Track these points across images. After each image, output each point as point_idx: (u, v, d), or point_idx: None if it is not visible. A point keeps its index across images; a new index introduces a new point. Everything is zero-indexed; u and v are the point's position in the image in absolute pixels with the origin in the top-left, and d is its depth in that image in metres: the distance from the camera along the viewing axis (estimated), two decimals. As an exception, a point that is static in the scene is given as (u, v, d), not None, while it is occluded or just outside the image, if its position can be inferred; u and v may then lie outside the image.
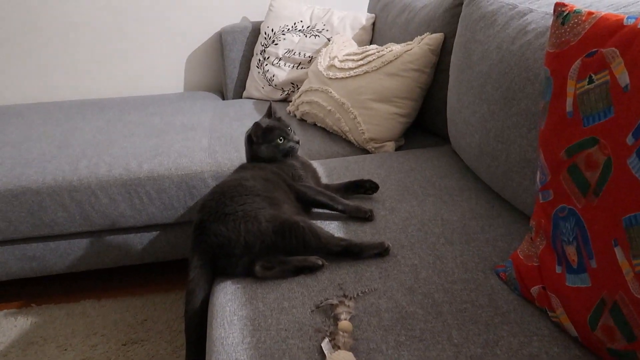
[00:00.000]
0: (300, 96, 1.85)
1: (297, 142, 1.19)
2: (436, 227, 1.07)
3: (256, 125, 1.13)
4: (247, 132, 1.19)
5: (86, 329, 1.47)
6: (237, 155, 1.61)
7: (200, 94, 2.44)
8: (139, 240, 1.58)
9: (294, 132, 1.19)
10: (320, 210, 1.14)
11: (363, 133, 1.61)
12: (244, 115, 2.07)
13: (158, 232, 1.62)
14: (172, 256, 1.63)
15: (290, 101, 2.02)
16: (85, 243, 1.55)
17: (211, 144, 1.70)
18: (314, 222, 1.02)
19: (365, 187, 1.21)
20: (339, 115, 1.67)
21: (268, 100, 2.30)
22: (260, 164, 1.15)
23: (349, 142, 1.68)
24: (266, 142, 1.17)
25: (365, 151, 1.63)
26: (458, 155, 1.41)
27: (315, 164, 1.35)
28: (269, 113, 1.25)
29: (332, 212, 1.11)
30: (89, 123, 1.84)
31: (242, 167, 1.17)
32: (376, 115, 1.59)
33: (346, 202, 1.11)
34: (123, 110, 2.00)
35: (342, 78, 1.66)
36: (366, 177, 1.25)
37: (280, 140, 1.16)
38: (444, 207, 1.15)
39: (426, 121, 1.76)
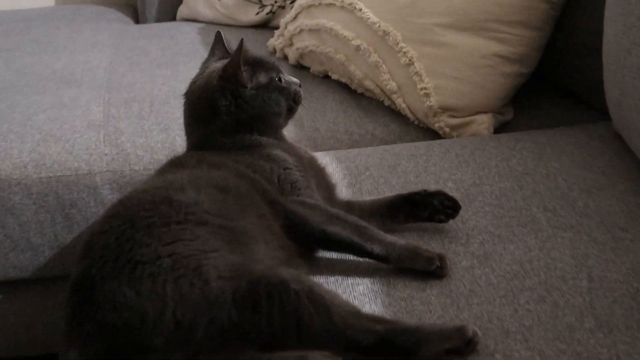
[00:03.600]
0: (296, 17, 1.84)
1: (299, 86, 1.26)
2: (578, 296, 1.02)
3: (235, 54, 1.18)
4: (203, 76, 1.25)
5: None
6: (165, 138, 1.59)
7: (89, 10, 2.43)
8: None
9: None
10: (336, 256, 1.12)
11: (428, 95, 1.56)
12: (181, 54, 2.01)
13: (-2, 297, 1.58)
14: (24, 350, 1.62)
15: (276, 28, 2.00)
16: None
17: (109, 114, 1.67)
18: (320, 280, 1.04)
19: (429, 207, 1.18)
20: (376, 57, 1.62)
21: (225, 24, 2.24)
22: (213, 154, 1.17)
23: (396, 114, 1.66)
24: (259, 85, 1.21)
25: (432, 132, 1.60)
26: (626, 142, 1.39)
27: (325, 157, 1.37)
28: (220, 48, 1.34)
29: (361, 258, 1.09)
30: None
31: (174, 164, 1.18)
32: (455, 57, 1.56)
33: (390, 238, 1.08)
34: None
35: (385, -20, 1.63)
36: (432, 187, 1.23)
37: (278, 79, 1.22)
38: (595, 253, 1.11)
39: (559, 73, 1.71)
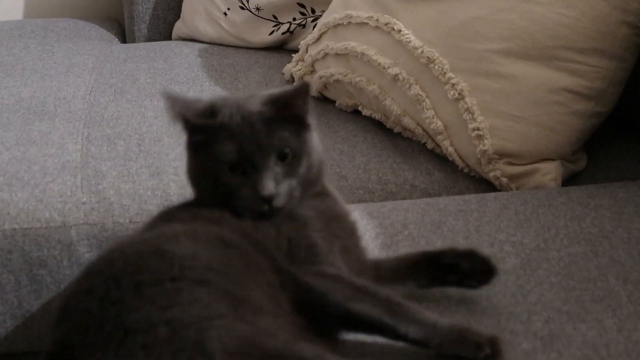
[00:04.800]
0: (320, 39, 1.84)
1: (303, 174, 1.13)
2: None
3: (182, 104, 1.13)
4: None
5: None
6: (157, 185, 1.57)
7: (65, 25, 2.39)
8: None
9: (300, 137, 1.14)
10: (363, 338, 1.09)
11: (481, 137, 1.54)
12: (176, 82, 1.95)
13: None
14: None
15: (295, 51, 2.00)
16: None
17: (89, 154, 1.63)
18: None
19: (458, 270, 1.14)
20: (418, 89, 1.59)
21: (231, 45, 2.21)
22: (213, 210, 1.12)
23: (441, 159, 1.65)
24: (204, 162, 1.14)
25: (485, 183, 1.59)
26: None
27: (354, 212, 1.29)
28: None
29: (394, 341, 1.05)
30: None
31: (164, 217, 1.14)
32: (517, 92, 1.52)
33: (430, 317, 1.03)
34: None
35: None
36: (461, 246, 1.20)
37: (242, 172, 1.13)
38: None
39: None
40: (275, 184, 1.08)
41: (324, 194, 1.21)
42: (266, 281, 1.04)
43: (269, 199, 1.07)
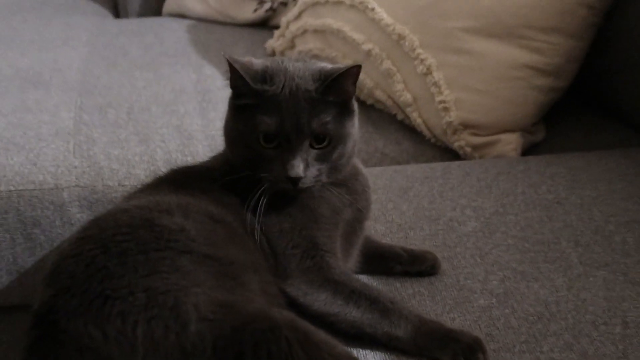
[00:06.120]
0: (300, 16, 1.87)
1: None
2: (610, 344, 1.01)
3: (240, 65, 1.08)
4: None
5: None
6: (145, 150, 1.60)
7: (62, 0, 2.44)
8: None
9: None
10: None
11: (447, 109, 1.58)
12: (165, 55, 2.00)
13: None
14: None
15: (276, 28, 2.04)
16: None
17: (81, 121, 1.67)
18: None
19: (400, 262, 1.20)
20: (389, 64, 1.65)
21: (218, 22, 2.27)
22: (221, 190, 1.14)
23: (409, 130, 1.68)
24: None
25: (450, 152, 1.62)
26: None
27: None
28: None
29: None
30: None
31: (169, 181, 1.17)
32: (481, 67, 1.57)
33: (414, 317, 1.05)
34: None
35: (403, -23, 1.65)
36: (444, 214, 1.32)
37: None
38: (632, 296, 1.11)
39: (599, 89, 1.73)
40: (304, 167, 1.07)
41: (351, 175, 1.19)
42: (249, 257, 1.06)
43: (294, 180, 1.07)
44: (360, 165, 1.24)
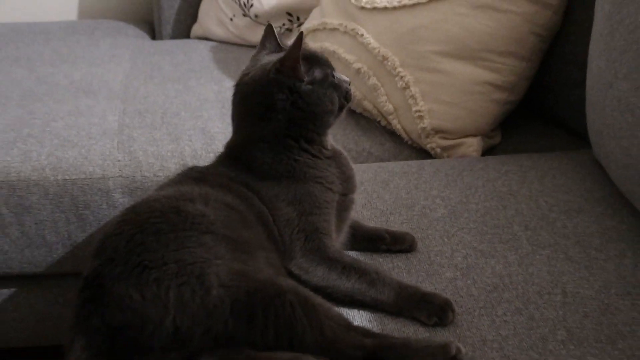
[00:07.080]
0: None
1: (349, 84, 1.24)
2: (552, 310, 1.06)
3: (294, 47, 1.13)
4: (256, 67, 1.20)
5: None
6: (175, 148, 1.65)
7: (109, 25, 2.48)
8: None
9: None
10: None
11: (421, 117, 1.63)
12: (192, 70, 2.08)
13: (14, 290, 1.64)
14: (36, 340, 1.66)
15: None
16: None
17: (124, 123, 1.73)
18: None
19: (384, 242, 1.24)
20: (375, 80, 1.70)
21: (235, 44, 2.38)
22: (235, 181, 1.17)
23: (391, 134, 1.72)
24: (314, 80, 1.17)
25: (424, 152, 1.67)
26: (604, 169, 1.42)
27: None
28: (272, 41, 1.28)
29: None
30: None
31: (192, 177, 1.19)
32: (449, 84, 1.61)
33: (396, 284, 1.13)
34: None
35: (387, 9, 1.67)
36: (397, 229, 1.27)
37: (332, 76, 1.19)
38: (570, 271, 1.15)
39: (545, 102, 1.78)
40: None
41: (335, 152, 1.24)
42: (258, 238, 1.09)
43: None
44: (342, 150, 1.28)
